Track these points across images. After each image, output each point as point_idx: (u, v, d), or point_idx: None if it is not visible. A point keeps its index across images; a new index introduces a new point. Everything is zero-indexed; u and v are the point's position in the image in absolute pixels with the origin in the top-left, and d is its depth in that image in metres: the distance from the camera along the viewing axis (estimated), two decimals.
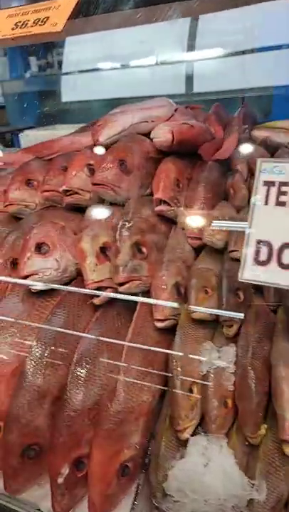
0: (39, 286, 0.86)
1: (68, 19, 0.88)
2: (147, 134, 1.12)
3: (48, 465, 0.69)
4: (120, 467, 0.65)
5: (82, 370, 0.73)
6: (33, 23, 0.93)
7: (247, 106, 1.48)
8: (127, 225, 0.86)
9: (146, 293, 0.84)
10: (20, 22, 0.95)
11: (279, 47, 1.93)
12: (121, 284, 0.80)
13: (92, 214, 0.99)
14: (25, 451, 0.71)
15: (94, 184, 0.99)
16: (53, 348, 0.77)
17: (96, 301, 0.83)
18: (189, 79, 2.45)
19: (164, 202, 0.94)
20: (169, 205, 0.95)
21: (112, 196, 1.01)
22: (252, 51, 2.05)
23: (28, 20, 0.94)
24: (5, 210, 1.11)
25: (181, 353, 0.72)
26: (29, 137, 3.00)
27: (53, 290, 0.89)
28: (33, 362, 0.76)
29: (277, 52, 1.93)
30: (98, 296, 0.84)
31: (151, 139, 1.09)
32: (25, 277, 0.86)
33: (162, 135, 1.00)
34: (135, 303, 0.86)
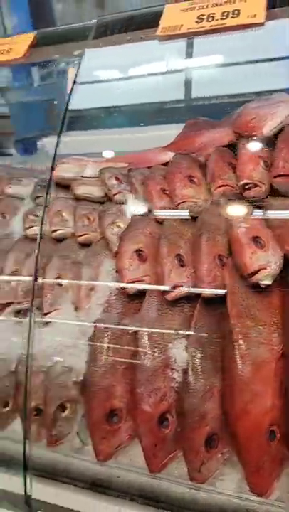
0: (267, 280, 0.81)
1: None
2: None
3: None
4: None
5: None
6: (222, 15, 0.89)
7: None
8: None
9: None
10: (203, 15, 0.91)
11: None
12: None
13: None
14: None
15: (278, 176, 0.96)
16: None
17: None
18: (188, 85, 2.47)
19: None
20: None
21: None
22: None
23: (214, 14, 0.90)
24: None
25: None
26: (47, 144, 2.91)
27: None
28: None
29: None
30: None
31: None
32: (253, 273, 0.81)
33: None
34: None
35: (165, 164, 1.26)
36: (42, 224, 0.96)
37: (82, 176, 1.37)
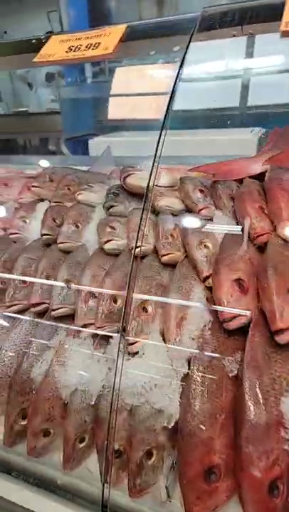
0: None
1: None
2: None
3: None
4: None
5: None
6: None
7: None
8: None
9: None
10: None
11: None
12: None
13: None
14: None
15: None
16: None
17: None
18: (244, 92, 2.34)
19: None
20: None
21: None
22: None
23: None
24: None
25: None
26: (97, 144, 2.86)
27: None
28: None
29: None
30: None
31: None
32: None
33: None
34: None
35: (254, 177, 1.14)
36: (136, 242, 0.87)
37: (156, 185, 1.28)
